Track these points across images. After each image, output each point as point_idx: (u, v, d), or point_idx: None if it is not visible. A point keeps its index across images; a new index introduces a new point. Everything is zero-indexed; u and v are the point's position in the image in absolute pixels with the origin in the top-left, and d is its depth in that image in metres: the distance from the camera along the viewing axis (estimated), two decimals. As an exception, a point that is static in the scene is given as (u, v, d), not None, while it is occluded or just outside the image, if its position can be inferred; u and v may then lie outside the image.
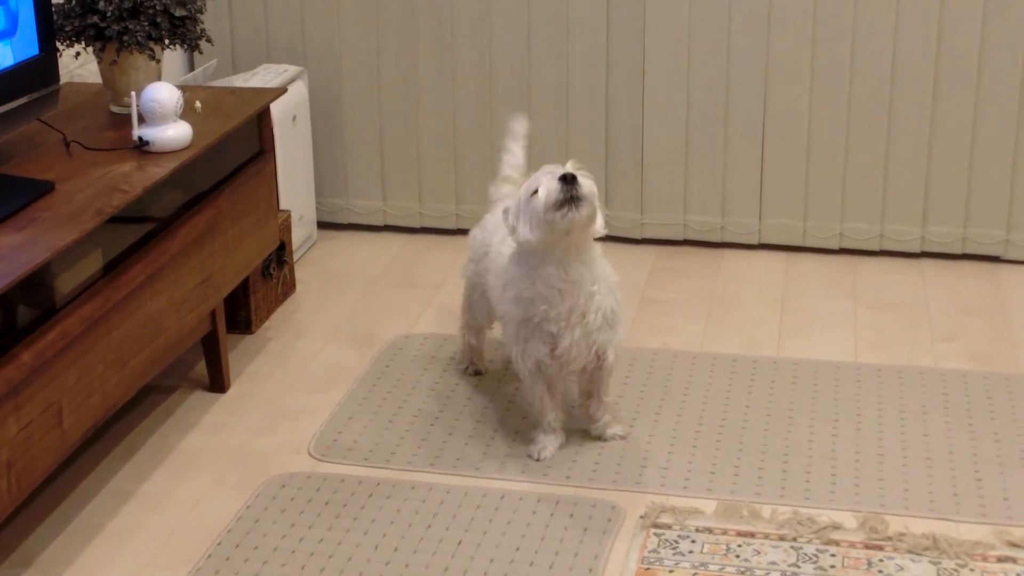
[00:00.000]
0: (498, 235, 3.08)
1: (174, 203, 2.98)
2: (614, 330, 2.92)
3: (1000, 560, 2.60)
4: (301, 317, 3.71)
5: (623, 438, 3.05)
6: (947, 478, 2.88)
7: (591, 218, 2.78)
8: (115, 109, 3.21)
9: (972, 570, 2.57)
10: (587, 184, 2.75)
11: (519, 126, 3.28)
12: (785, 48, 3.87)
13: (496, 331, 3.37)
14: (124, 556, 2.68)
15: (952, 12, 3.76)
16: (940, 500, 2.80)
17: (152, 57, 3.16)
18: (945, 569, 2.58)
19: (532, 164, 4.05)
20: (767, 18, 3.85)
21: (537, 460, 2.96)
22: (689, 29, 3.90)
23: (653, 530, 2.71)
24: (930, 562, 2.59)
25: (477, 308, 3.23)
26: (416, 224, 4.25)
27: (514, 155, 3.27)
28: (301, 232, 4.03)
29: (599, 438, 3.06)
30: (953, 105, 3.84)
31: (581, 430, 3.05)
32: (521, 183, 3.23)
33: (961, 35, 3.77)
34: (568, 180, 2.73)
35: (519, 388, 3.09)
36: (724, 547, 2.65)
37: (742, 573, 2.57)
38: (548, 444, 2.99)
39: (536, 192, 2.76)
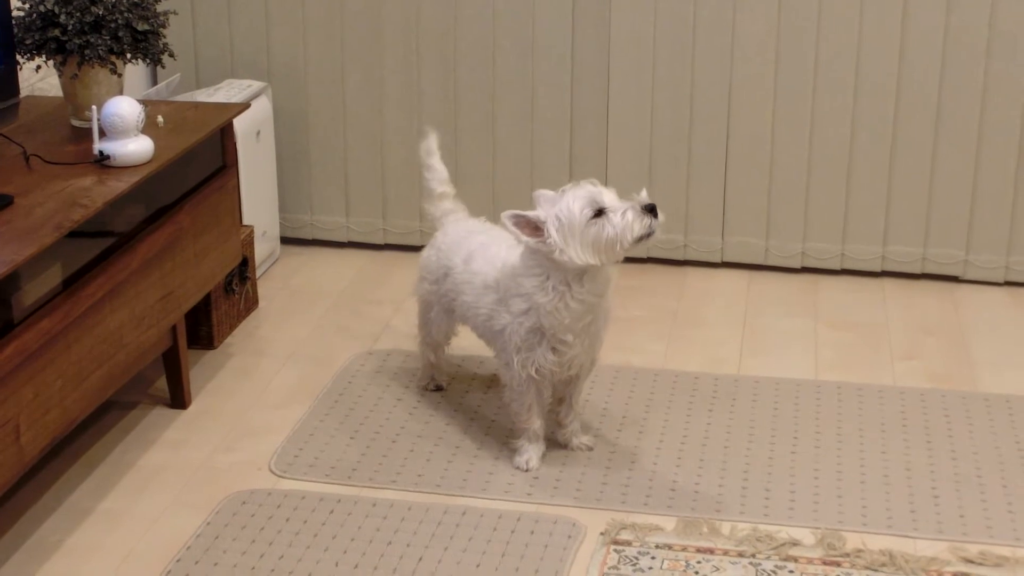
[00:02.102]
0: (460, 255, 3.08)
1: (135, 218, 2.97)
2: (604, 335, 2.97)
3: (957, 577, 2.63)
4: (263, 333, 3.70)
5: (589, 448, 3.06)
6: (904, 495, 2.90)
7: None
8: (76, 123, 3.20)
9: (929, 587, 2.59)
10: (661, 216, 2.77)
11: (431, 141, 3.25)
12: (748, 69, 3.90)
13: (456, 348, 3.38)
14: (83, 573, 2.66)
15: (913, 36, 3.79)
16: (897, 517, 2.82)
17: (114, 71, 3.15)
18: (902, 586, 2.60)
19: (497, 184, 4.09)
20: (731, 39, 3.88)
21: (526, 471, 2.97)
22: (653, 50, 3.92)
23: (613, 547, 2.72)
24: (888, 579, 2.62)
25: (434, 325, 3.22)
26: (380, 240, 4.25)
27: (437, 171, 3.25)
28: (264, 248, 4.03)
29: (565, 445, 3.06)
30: (914, 127, 3.88)
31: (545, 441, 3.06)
32: (453, 195, 3.23)
33: (922, 58, 3.81)
34: (654, 214, 2.74)
35: (502, 398, 3.05)
36: (684, 563, 2.66)
37: (701, 590, 2.59)
38: (534, 454, 3.00)
39: (598, 215, 2.73)
